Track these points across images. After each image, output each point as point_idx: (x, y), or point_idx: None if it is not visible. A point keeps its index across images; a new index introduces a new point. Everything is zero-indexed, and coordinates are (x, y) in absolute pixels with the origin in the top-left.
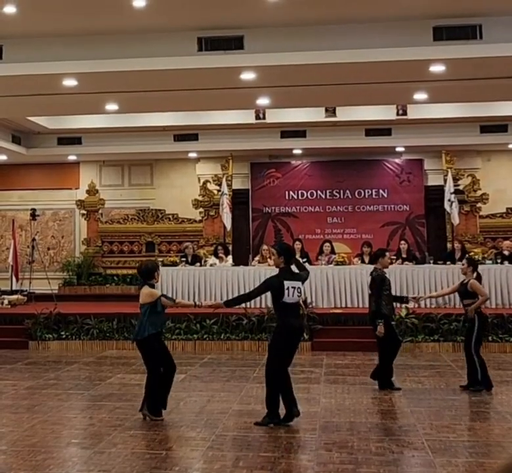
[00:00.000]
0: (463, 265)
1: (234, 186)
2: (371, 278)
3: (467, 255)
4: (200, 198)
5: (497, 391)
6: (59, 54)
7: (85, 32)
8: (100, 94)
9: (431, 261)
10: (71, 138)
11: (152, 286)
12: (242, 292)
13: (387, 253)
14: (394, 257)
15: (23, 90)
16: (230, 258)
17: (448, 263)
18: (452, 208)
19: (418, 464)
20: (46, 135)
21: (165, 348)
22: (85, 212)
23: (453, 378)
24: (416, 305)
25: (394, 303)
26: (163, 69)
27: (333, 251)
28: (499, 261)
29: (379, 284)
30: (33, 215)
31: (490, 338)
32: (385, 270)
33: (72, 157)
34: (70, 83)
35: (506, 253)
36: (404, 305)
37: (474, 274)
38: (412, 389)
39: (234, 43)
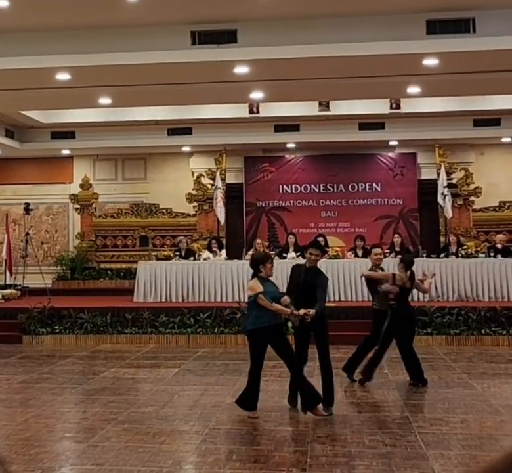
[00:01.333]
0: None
1: (228, 181)
2: None
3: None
4: (194, 192)
5: (489, 384)
6: (52, 48)
7: (78, 26)
8: (94, 88)
9: (424, 255)
10: (64, 133)
11: (262, 279)
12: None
13: (373, 250)
14: (388, 251)
15: (17, 84)
16: (223, 252)
17: (442, 255)
18: (445, 202)
19: (411, 456)
20: (40, 129)
21: (281, 342)
22: (78, 206)
23: (447, 371)
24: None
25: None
26: (156, 63)
27: (326, 246)
28: (492, 254)
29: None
30: (27, 209)
31: (483, 331)
32: (379, 265)
33: (66, 152)
34: (63, 77)
35: (499, 246)
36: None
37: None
38: (405, 382)
39: (227, 37)
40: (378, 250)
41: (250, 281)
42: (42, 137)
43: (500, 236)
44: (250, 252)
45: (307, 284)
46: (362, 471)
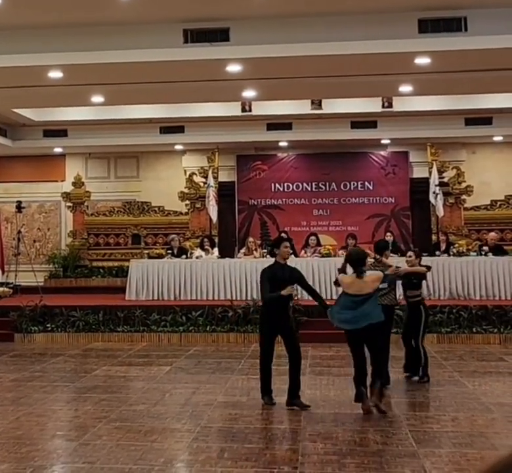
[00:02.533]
0: (409, 257)
1: (220, 179)
2: None
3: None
4: (186, 191)
5: (481, 382)
6: (44, 46)
7: (70, 24)
8: (86, 86)
9: None
10: (57, 131)
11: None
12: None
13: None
14: None
15: (9, 82)
16: (216, 250)
17: (438, 253)
18: (437, 200)
19: (402, 454)
20: (32, 127)
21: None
22: (70, 204)
23: (438, 369)
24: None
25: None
26: (148, 61)
27: (318, 244)
28: (483, 253)
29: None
30: (19, 207)
31: (474, 330)
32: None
33: (58, 150)
34: (56, 75)
35: (491, 245)
36: None
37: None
38: (397, 380)
39: (220, 35)
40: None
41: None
42: (35, 135)
43: (492, 234)
44: (242, 251)
45: (293, 280)
46: (353, 469)
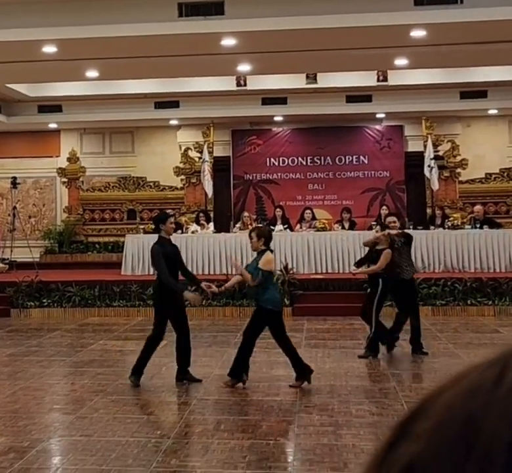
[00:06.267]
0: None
1: (215, 154)
2: None
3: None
4: (181, 166)
5: (476, 353)
6: (38, 21)
7: None
8: (80, 61)
9: (411, 227)
10: (51, 106)
11: None
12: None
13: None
14: (374, 223)
15: (3, 57)
16: (211, 225)
17: (432, 227)
18: (432, 174)
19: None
20: (27, 103)
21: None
22: (66, 180)
23: (433, 341)
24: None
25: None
26: (143, 35)
27: (314, 218)
28: (478, 225)
29: None
30: (14, 183)
31: (468, 302)
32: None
33: (53, 125)
34: (50, 49)
35: (478, 218)
36: None
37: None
38: (392, 352)
39: (215, 9)
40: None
41: (268, 254)
42: (29, 111)
43: (477, 207)
44: (238, 225)
45: (179, 256)
46: (349, 440)
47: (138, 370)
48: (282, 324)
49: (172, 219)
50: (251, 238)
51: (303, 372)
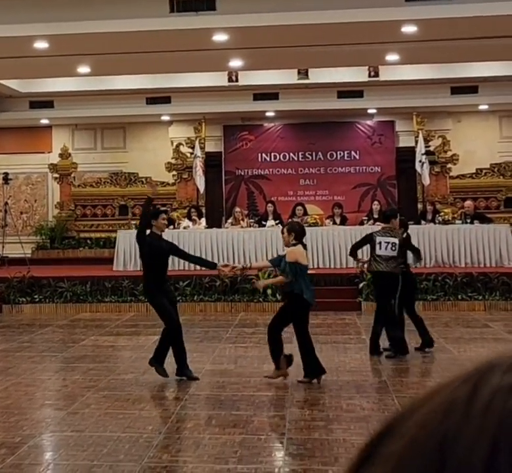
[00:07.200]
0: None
1: (207, 149)
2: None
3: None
4: (173, 161)
5: (466, 348)
6: (30, 16)
7: None
8: (72, 57)
9: None
10: (43, 102)
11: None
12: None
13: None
14: (365, 218)
15: None
16: (203, 221)
17: (423, 223)
18: (423, 169)
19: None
20: (18, 99)
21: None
22: (57, 176)
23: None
24: None
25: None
26: (134, 31)
27: (305, 214)
28: (468, 220)
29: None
30: (6, 179)
31: (459, 297)
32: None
33: (44, 121)
34: (41, 45)
35: (468, 213)
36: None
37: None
38: (383, 347)
39: (206, 4)
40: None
41: (294, 247)
42: (21, 106)
43: (468, 202)
44: (229, 221)
45: (170, 251)
46: (340, 434)
47: (158, 360)
48: (308, 319)
49: (164, 215)
50: (282, 233)
51: (315, 370)
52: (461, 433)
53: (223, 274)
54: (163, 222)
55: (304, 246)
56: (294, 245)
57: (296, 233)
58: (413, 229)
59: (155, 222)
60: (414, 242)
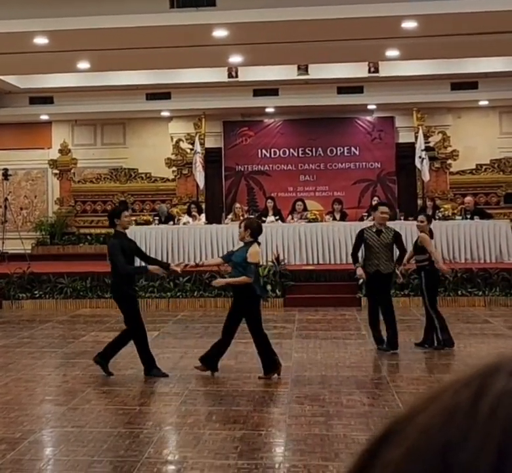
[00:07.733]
0: (421, 222)
1: (207, 145)
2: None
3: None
4: (173, 157)
5: (466, 343)
6: (30, 12)
7: None
8: (72, 53)
9: (402, 218)
10: (43, 98)
11: None
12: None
13: (379, 207)
14: (365, 214)
15: None
16: (203, 216)
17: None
18: (423, 165)
19: (389, 415)
20: (18, 95)
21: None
22: (57, 172)
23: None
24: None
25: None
26: (134, 26)
27: (305, 209)
28: (468, 216)
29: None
30: (5, 175)
31: (459, 292)
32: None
33: (44, 117)
34: (41, 41)
35: (468, 209)
36: None
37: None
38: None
39: (206, 0)
40: (385, 208)
41: (255, 247)
42: (20, 102)
43: (468, 198)
44: (229, 216)
45: (136, 250)
46: (340, 430)
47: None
48: (260, 313)
49: (127, 213)
50: (239, 227)
51: (271, 364)
52: (466, 439)
53: (175, 274)
54: (126, 220)
55: (259, 244)
56: (250, 242)
57: (252, 230)
58: (411, 224)
59: (118, 221)
60: (414, 238)
